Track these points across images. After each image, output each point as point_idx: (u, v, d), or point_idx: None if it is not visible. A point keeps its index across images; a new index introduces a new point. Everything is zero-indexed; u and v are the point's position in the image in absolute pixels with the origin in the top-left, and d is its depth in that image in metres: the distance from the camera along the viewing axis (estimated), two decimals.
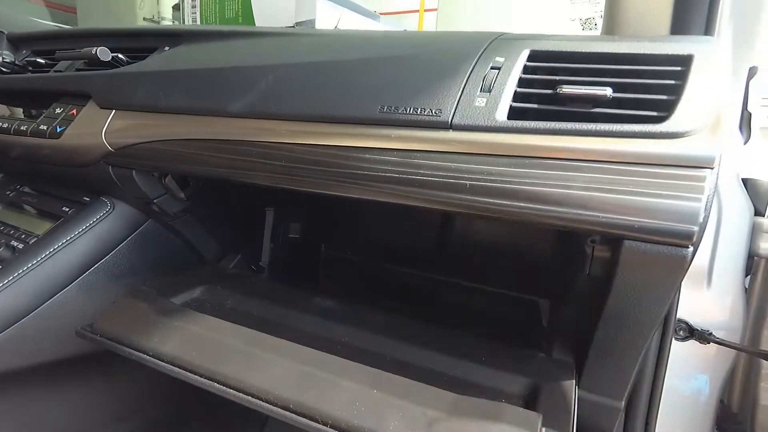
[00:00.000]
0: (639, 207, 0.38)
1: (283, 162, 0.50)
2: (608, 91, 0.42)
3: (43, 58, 0.76)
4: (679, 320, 0.68)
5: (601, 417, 0.57)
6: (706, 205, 0.37)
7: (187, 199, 0.70)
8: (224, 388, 0.48)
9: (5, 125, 0.67)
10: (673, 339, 0.67)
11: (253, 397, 0.47)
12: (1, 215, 0.77)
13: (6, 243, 0.67)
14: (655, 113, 0.41)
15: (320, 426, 0.44)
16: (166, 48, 0.66)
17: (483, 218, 0.43)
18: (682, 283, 0.65)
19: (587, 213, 0.39)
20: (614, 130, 0.40)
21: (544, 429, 0.43)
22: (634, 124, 0.40)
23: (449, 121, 0.44)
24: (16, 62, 0.76)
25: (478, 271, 0.77)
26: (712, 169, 0.37)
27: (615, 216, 0.38)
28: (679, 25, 0.61)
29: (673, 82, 0.42)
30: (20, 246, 0.67)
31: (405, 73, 0.48)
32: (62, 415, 0.76)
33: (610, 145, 0.40)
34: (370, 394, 0.45)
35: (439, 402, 0.44)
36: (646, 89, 0.43)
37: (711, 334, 0.67)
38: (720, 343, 0.66)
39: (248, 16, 0.80)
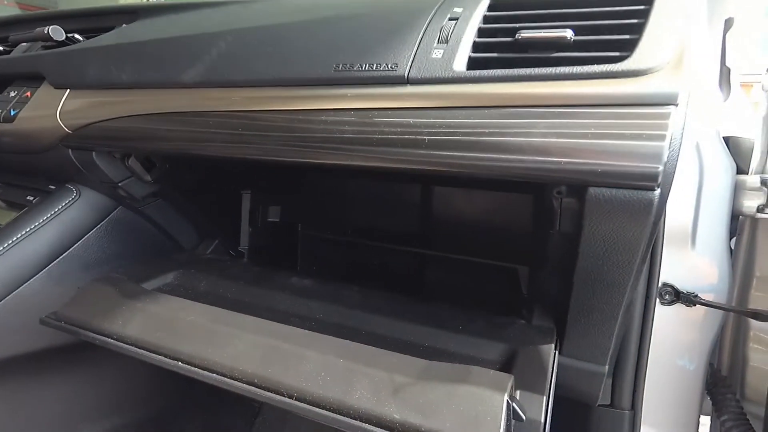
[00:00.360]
0: (601, 150, 0.36)
1: (239, 130, 0.48)
2: (568, 33, 0.40)
3: (2, 45, 0.74)
4: (664, 284, 0.66)
5: (584, 383, 0.55)
6: (671, 144, 0.35)
7: (154, 182, 0.68)
8: (188, 366, 0.46)
9: None
10: (659, 303, 0.66)
11: (216, 374, 0.45)
12: None
13: None
14: (617, 53, 0.39)
15: (285, 399, 0.42)
16: (123, 25, 0.64)
17: (444, 175, 0.41)
18: (665, 244, 0.64)
19: (548, 159, 0.37)
20: (574, 72, 0.38)
21: (518, 392, 0.42)
22: (595, 65, 0.38)
23: (405, 75, 0.43)
24: None
25: (457, 243, 0.75)
26: (676, 106, 0.35)
27: (577, 161, 0.36)
28: None
29: (635, 21, 0.40)
30: None
31: (360, 30, 0.47)
32: (44, 410, 0.75)
33: (570, 88, 0.38)
34: (336, 364, 0.43)
35: (407, 368, 0.42)
36: (608, 30, 0.41)
37: (697, 296, 0.65)
38: (707, 304, 0.64)
39: None
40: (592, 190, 0.37)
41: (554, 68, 0.39)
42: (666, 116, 0.35)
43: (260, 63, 0.48)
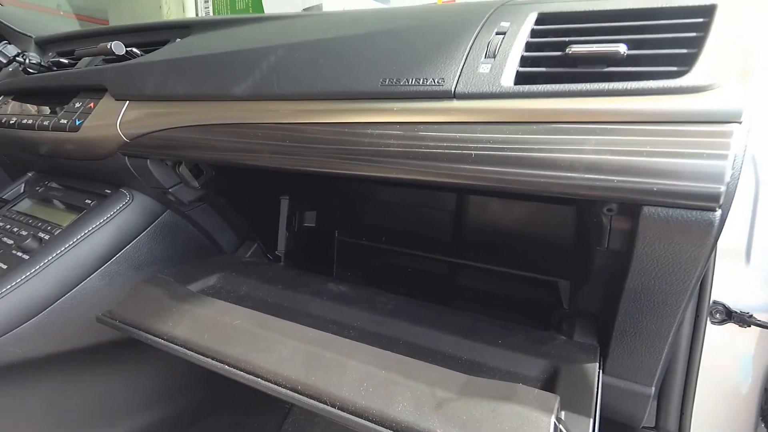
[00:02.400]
0: (658, 168, 0.35)
1: (287, 142, 0.50)
2: (621, 48, 0.39)
3: (66, 58, 0.79)
4: (715, 302, 0.63)
5: (629, 404, 0.53)
6: (734, 163, 0.34)
7: (200, 188, 0.70)
8: (233, 369, 0.48)
9: (29, 121, 0.70)
10: (709, 322, 0.63)
11: (261, 378, 0.46)
12: (32, 210, 0.80)
13: (33, 235, 0.70)
14: (674, 68, 0.37)
15: (327, 407, 0.43)
16: (177, 40, 0.67)
17: (490, 190, 0.41)
18: (717, 261, 0.61)
19: (600, 177, 0.36)
20: (628, 88, 0.37)
21: (563, 412, 0.41)
22: (651, 81, 0.37)
23: (452, 89, 0.43)
24: (42, 63, 0.79)
25: (494, 253, 0.74)
26: (740, 123, 0.34)
27: (631, 179, 0.35)
28: None
29: (693, 34, 0.39)
30: (46, 237, 0.69)
31: (406, 45, 0.47)
32: (88, 402, 0.79)
33: (623, 104, 0.37)
34: (378, 375, 0.43)
35: (449, 383, 0.42)
36: (663, 44, 0.40)
37: (752, 316, 0.62)
38: (762, 325, 0.61)
39: (258, 6, 0.81)
40: (646, 209, 0.36)
41: (608, 83, 0.38)
42: (729, 134, 0.33)
43: (308, 77, 0.50)
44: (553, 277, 0.66)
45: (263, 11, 0.82)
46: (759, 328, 0.62)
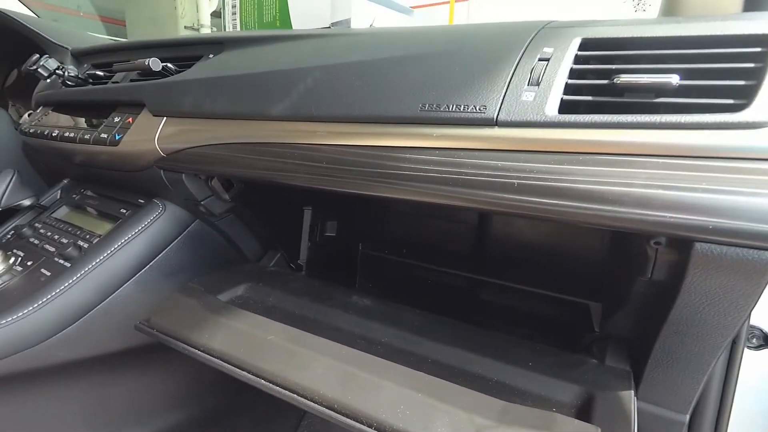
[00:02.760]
0: (714, 206, 0.34)
1: (324, 163, 0.50)
2: (674, 79, 0.38)
3: (102, 71, 0.81)
4: (752, 326, 0.62)
5: (662, 431, 0.53)
6: None
7: (231, 200, 0.72)
8: (270, 384, 0.49)
9: (71, 135, 0.72)
10: (746, 347, 0.61)
11: (297, 394, 0.47)
12: (69, 217, 0.82)
13: (74, 243, 0.72)
14: (730, 101, 0.36)
15: (364, 427, 0.43)
16: (210, 55, 0.68)
17: (533, 219, 0.41)
18: None
19: (652, 213, 0.35)
20: (683, 121, 0.36)
21: None
22: (706, 114, 0.36)
23: (494, 117, 0.42)
24: (79, 76, 0.81)
25: (521, 272, 0.73)
26: None
27: (685, 216, 0.35)
28: (753, 1, 0.55)
29: (751, 65, 0.37)
30: (85, 246, 0.71)
31: (446, 70, 0.47)
32: (122, 401, 0.82)
33: (676, 138, 0.36)
34: (415, 397, 0.44)
35: (486, 408, 0.42)
36: (717, 75, 0.38)
37: None
38: None
39: (285, 19, 0.81)
40: (699, 245, 0.36)
41: (660, 116, 0.37)
42: None
43: (346, 99, 0.50)
44: (584, 299, 0.66)
45: (290, 23, 0.82)
46: None
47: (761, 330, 0.63)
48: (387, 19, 0.84)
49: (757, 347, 0.62)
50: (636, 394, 0.50)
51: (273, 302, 0.67)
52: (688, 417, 0.52)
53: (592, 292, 0.66)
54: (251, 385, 0.51)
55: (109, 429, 0.80)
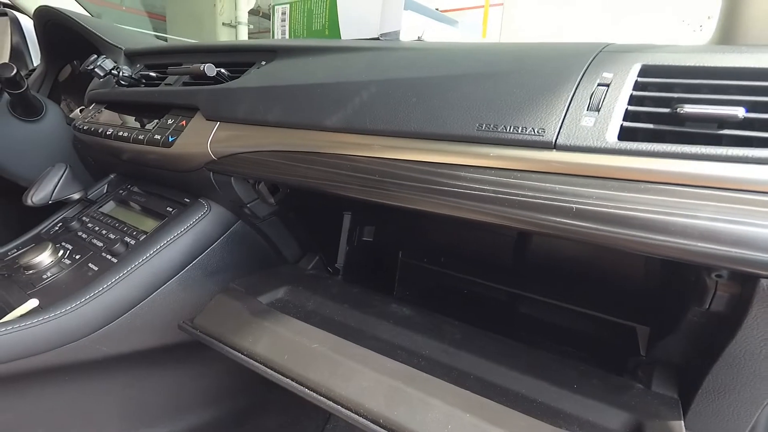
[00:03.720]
0: None
1: (377, 176, 0.51)
2: (740, 112, 0.38)
3: (155, 72, 0.84)
4: None
5: None
6: None
7: (275, 204, 0.73)
8: (313, 394, 0.50)
9: (125, 134, 0.75)
10: None
11: (342, 406, 0.48)
12: (116, 213, 0.85)
13: (121, 239, 0.74)
14: None
15: None
16: (263, 62, 0.69)
17: (590, 244, 0.41)
18: None
19: (716, 247, 0.35)
20: (749, 155, 0.36)
21: None
22: None
23: (553, 141, 0.42)
24: (132, 76, 0.84)
25: (565, 289, 0.73)
26: None
27: (752, 253, 0.34)
28: None
29: None
30: (132, 242, 0.74)
31: (504, 90, 0.47)
32: (157, 397, 0.84)
33: (742, 171, 0.36)
34: (463, 418, 0.44)
35: None
36: None
37: None
38: None
39: (335, 28, 0.83)
40: (765, 282, 0.35)
41: (726, 149, 0.37)
42: None
43: (401, 115, 0.50)
44: (631, 321, 0.65)
45: (339, 33, 0.84)
46: None
47: None
48: (434, 31, 0.84)
49: None
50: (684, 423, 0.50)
51: (312, 307, 0.69)
52: None
53: (640, 314, 0.65)
54: (284, 386, 0.52)
55: (144, 423, 0.83)
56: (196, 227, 0.75)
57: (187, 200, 0.79)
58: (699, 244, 0.36)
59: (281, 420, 1.06)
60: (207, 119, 0.66)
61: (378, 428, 0.45)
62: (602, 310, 0.68)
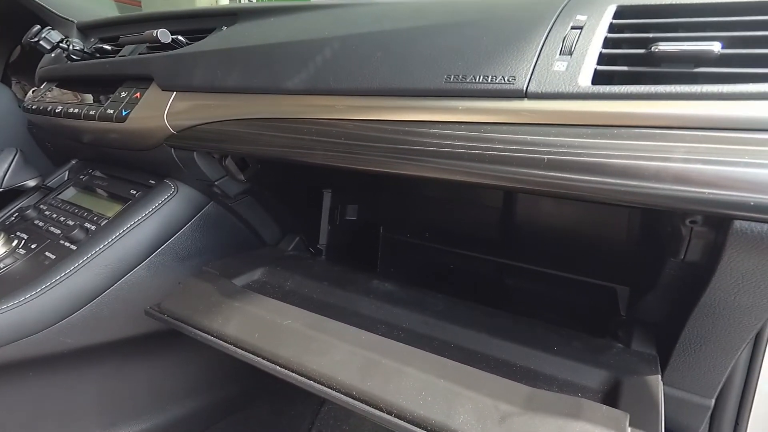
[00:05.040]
0: (756, 181, 0.32)
1: (342, 139, 0.48)
2: (716, 47, 0.36)
3: (110, 45, 0.79)
4: None
5: (686, 415, 0.52)
6: None
7: (246, 181, 0.70)
8: (285, 370, 0.48)
9: (75, 110, 0.70)
10: None
11: (315, 381, 0.46)
12: (76, 198, 0.81)
13: (80, 225, 0.70)
14: None
15: (384, 414, 0.42)
16: (224, 27, 0.65)
17: (563, 198, 0.39)
18: None
19: (689, 189, 0.34)
20: (723, 91, 0.34)
21: (630, 429, 0.39)
22: (749, 84, 0.34)
23: (524, 89, 0.40)
24: (85, 50, 0.78)
25: (547, 255, 0.71)
26: None
27: (724, 192, 0.33)
28: None
29: None
30: (93, 228, 0.70)
31: (473, 39, 0.45)
32: (139, 388, 0.81)
33: (717, 109, 0.34)
34: (437, 384, 0.42)
35: (511, 395, 0.41)
36: (760, 43, 0.36)
37: None
38: None
39: None
40: (738, 223, 0.34)
41: (700, 86, 0.35)
42: None
43: (366, 71, 0.48)
44: (611, 282, 0.64)
45: None
46: None
47: None
48: None
49: None
50: (662, 379, 0.49)
51: (291, 287, 0.66)
52: (713, 402, 0.50)
53: (619, 275, 0.64)
54: (255, 366, 0.49)
55: (123, 418, 0.80)
56: (162, 209, 0.71)
57: (153, 182, 0.75)
58: (672, 188, 0.34)
59: (273, 407, 1.04)
60: (163, 89, 0.62)
61: (352, 400, 0.43)
62: (583, 273, 0.67)
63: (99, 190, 0.80)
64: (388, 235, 0.90)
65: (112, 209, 0.73)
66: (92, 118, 0.68)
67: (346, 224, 0.88)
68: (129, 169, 0.79)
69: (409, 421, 0.41)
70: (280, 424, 1.01)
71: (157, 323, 0.62)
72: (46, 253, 0.68)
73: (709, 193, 0.33)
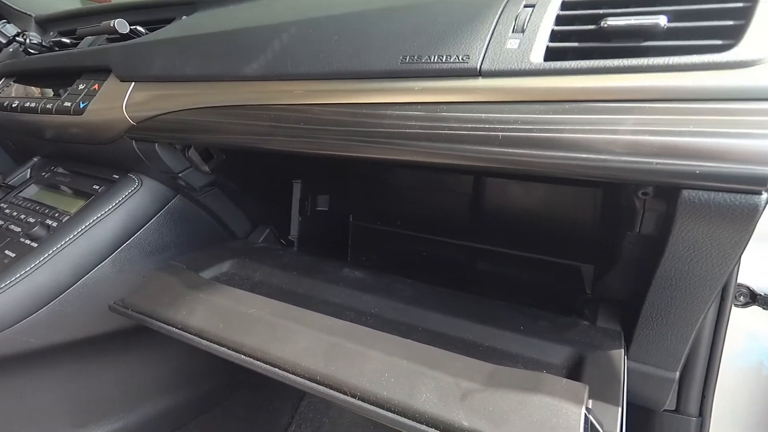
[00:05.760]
0: (701, 150, 0.33)
1: (301, 124, 0.48)
2: (661, 20, 0.36)
3: (69, 38, 0.76)
4: (739, 285, 0.62)
5: (652, 389, 0.53)
6: None
7: (211, 172, 0.69)
8: (250, 359, 0.47)
9: (32, 104, 0.68)
10: (733, 305, 0.61)
11: (279, 368, 0.45)
12: (39, 196, 0.79)
13: (41, 222, 0.69)
14: (718, 42, 0.35)
15: (348, 398, 0.42)
16: (183, 17, 0.64)
17: (518, 173, 0.39)
18: None
19: (638, 160, 0.34)
20: (669, 63, 0.35)
21: (590, 401, 0.40)
22: (694, 56, 0.34)
23: (478, 67, 0.40)
24: (43, 43, 0.76)
25: (514, 237, 0.72)
26: None
27: (671, 161, 0.33)
28: None
29: (740, 4, 0.36)
30: (54, 224, 0.68)
31: (427, 19, 0.44)
32: (108, 388, 0.79)
33: (663, 81, 0.35)
34: (400, 365, 0.42)
35: (473, 373, 0.41)
36: (707, 16, 0.37)
37: None
38: None
39: None
40: (686, 192, 0.34)
41: (647, 59, 0.35)
42: None
43: (323, 55, 0.47)
44: (576, 261, 0.65)
45: None
46: None
47: (748, 288, 0.62)
48: None
49: (744, 305, 0.62)
50: (627, 354, 0.50)
51: (260, 278, 0.65)
52: (677, 374, 0.51)
53: (584, 254, 0.65)
54: (220, 356, 0.49)
55: (94, 417, 0.78)
56: (126, 204, 0.70)
57: (116, 176, 0.73)
58: (622, 159, 0.34)
59: (250, 402, 1.03)
60: (121, 80, 0.61)
61: (316, 385, 0.43)
62: (550, 254, 0.68)
63: (62, 187, 0.78)
64: (360, 224, 0.90)
65: (75, 205, 0.71)
66: (50, 111, 0.66)
67: (317, 215, 0.87)
68: (92, 164, 0.77)
69: (372, 403, 0.41)
70: (259, 419, 1.00)
71: (124, 320, 0.61)
72: (6, 251, 0.66)
73: (657, 163, 0.34)
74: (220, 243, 0.80)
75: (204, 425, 0.92)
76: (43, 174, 0.82)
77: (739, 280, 0.61)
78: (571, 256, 0.65)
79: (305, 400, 1.07)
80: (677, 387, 0.62)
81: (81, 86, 0.65)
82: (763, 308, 0.62)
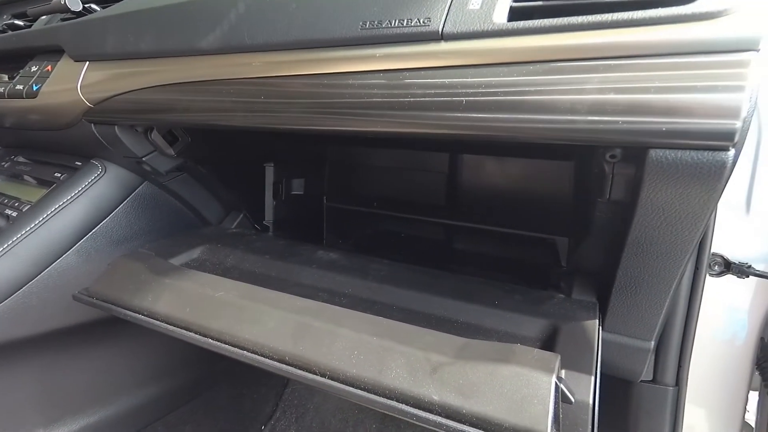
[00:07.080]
0: (666, 106, 0.32)
1: (261, 98, 0.46)
2: None
3: (23, 20, 0.73)
4: (714, 254, 0.62)
5: (628, 359, 0.53)
6: (751, 96, 0.30)
7: (177, 156, 0.66)
8: (217, 343, 0.46)
9: None
10: (708, 275, 0.61)
11: (247, 350, 0.44)
12: None
13: (1, 212, 0.66)
14: None
15: (317, 377, 0.41)
16: None
17: (483, 139, 0.38)
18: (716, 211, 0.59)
19: (603, 119, 0.33)
20: (633, 18, 0.33)
21: (564, 371, 0.39)
22: (657, 9, 0.33)
23: (440, 30, 0.39)
24: None
25: (490, 214, 0.71)
26: (757, 51, 0.30)
27: (637, 119, 0.32)
28: None
29: None
30: (14, 214, 0.65)
31: None
32: (82, 380, 0.77)
33: (627, 36, 0.33)
34: (370, 342, 0.41)
35: (444, 347, 0.40)
36: None
37: (750, 267, 0.61)
38: (760, 275, 0.60)
39: None
40: (653, 152, 0.33)
41: (610, 14, 0.34)
42: (745, 64, 0.30)
43: (281, 25, 0.45)
44: (551, 234, 0.64)
45: None
46: (755, 280, 0.61)
47: (722, 257, 0.63)
48: None
49: (719, 274, 0.63)
50: (602, 326, 0.50)
51: (232, 263, 0.63)
52: (653, 344, 0.51)
53: (558, 227, 0.64)
54: (189, 342, 0.47)
55: (69, 411, 0.76)
56: (89, 191, 0.67)
57: (79, 163, 0.70)
58: (587, 119, 0.33)
59: (234, 391, 1.01)
60: (75, 60, 0.58)
61: (285, 366, 0.42)
62: (525, 228, 0.67)
63: (21, 176, 0.74)
64: (334, 205, 0.88)
65: (36, 194, 0.68)
66: (2, 96, 0.63)
67: (292, 199, 0.85)
68: (55, 152, 0.74)
69: (342, 381, 0.40)
70: (243, 408, 0.99)
71: (94, 310, 0.58)
72: None
73: (623, 122, 0.33)
74: (191, 230, 0.77)
75: (186, 416, 0.91)
76: (3, 164, 0.79)
77: (714, 250, 0.61)
78: (547, 229, 0.65)
79: (289, 388, 1.06)
80: (654, 358, 0.63)
81: (33, 68, 0.61)
82: (737, 276, 0.62)
